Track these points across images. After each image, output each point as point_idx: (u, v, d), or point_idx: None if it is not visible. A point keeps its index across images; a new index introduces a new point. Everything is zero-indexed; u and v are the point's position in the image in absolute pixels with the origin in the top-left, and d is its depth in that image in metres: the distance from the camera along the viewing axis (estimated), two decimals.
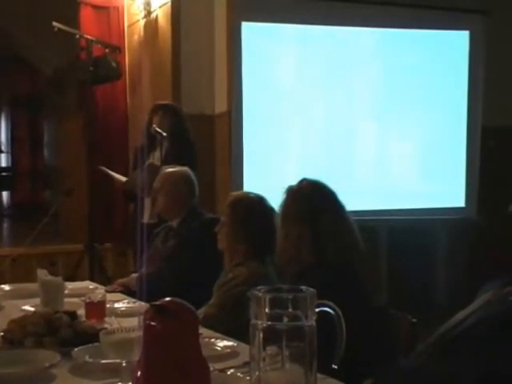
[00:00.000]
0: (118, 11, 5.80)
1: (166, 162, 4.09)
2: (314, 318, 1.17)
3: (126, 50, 5.82)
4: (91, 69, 5.10)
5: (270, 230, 2.57)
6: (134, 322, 2.00)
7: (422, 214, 5.41)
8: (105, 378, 1.63)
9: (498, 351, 1.31)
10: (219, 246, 2.75)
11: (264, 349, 1.15)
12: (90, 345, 1.84)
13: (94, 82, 5.26)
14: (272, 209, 2.66)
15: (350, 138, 5.34)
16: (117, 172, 4.83)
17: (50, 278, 2.52)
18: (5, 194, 10.91)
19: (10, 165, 10.76)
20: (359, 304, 2.13)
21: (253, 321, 1.16)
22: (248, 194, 2.89)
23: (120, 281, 3.27)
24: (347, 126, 5.31)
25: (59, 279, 2.52)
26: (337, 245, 2.28)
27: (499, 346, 1.32)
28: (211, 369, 1.27)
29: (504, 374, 1.29)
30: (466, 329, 1.41)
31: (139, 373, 1.17)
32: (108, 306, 2.40)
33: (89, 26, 5.65)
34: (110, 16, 5.78)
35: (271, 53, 5.03)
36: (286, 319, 1.15)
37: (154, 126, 4.38)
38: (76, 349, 1.81)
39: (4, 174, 10.70)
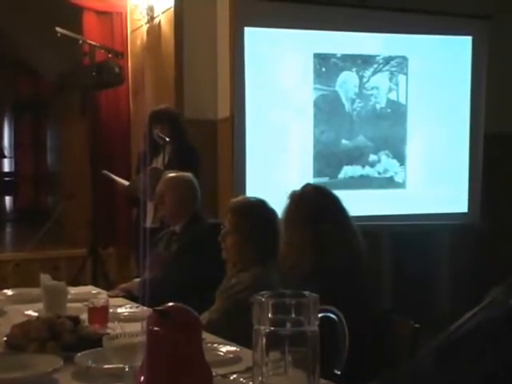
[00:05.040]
0: (121, 16, 5.81)
1: (169, 166, 4.09)
2: (317, 323, 1.17)
3: (129, 56, 5.84)
4: (94, 74, 5.12)
5: (272, 234, 2.57)
6: (136, 327, 2.01)
7: (425, 219, 5.39)
8: (107, 382, 1.63)
9: (499, 351, 1.31)
10: (224, 256, 2.73)
11: (267, 354, 1.15)
12: (93, 350, 1.84)
13: (96, 87, 5.28)
14: (274, 212, 2.66)
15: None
16: (119, 176, 4.83)
17: (52, 282, 2.52)
18: (8, 198, 10.92)
19: (12, 170, 10.77)
20: (362, 309, 2.12)
21: (256, 326, 1.16)
22: (248, 198, 2.90)
23: (122, 286, 3.27)
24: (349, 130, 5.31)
25: (62, 284, 2.52)
26: (340, 250, 2.28)
27: (501, 347, 1.32)
28: (214, 374, 1.27)
29: (507, 374, 1.29)
30: (467, 331, 1.41)
31: (142, 378, 1.17)
32: (111, 310, 2.40)
33: (92, 32, 5.67)
34: (113, 21, 5.80)
35: (274, 58, 5.03)
36: (288, 324, 1.15)
37: (157, 130, 4.39)
38: (79, 354, 1.81)
39: (7, 178, 10.71)
